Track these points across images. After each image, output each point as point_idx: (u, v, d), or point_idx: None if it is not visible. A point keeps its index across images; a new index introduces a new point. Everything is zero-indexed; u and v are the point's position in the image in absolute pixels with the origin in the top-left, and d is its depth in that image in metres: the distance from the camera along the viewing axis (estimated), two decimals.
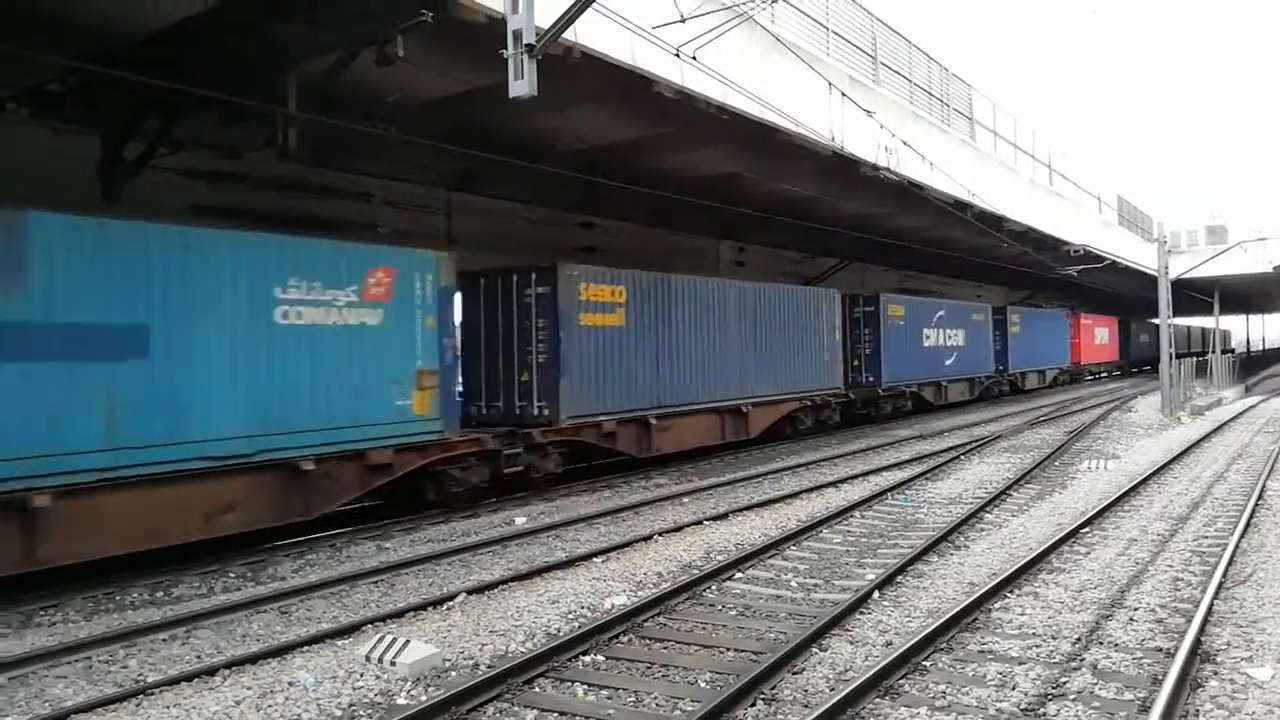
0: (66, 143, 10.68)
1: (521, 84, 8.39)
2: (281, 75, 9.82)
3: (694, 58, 9.85)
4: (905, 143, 16.24)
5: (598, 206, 17.73)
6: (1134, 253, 32.74)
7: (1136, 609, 7.24)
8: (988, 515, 11.39)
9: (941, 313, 27.07)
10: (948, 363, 27.28)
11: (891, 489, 13.16)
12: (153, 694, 6.02)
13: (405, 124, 11.83)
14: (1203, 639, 6.39)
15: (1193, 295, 39.08)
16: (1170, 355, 25.82)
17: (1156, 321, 53.74)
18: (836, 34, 15.56)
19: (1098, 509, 11.04)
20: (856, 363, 22.94)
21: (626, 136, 13.60)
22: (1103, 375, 47.70)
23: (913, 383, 25.16)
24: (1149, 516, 10.98)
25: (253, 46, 9.39)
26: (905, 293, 29.83)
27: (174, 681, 6.21)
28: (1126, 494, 12.21)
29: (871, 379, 23.13)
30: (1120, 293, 44.25)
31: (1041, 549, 8.95)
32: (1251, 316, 73.93)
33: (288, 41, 9.40)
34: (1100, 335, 46.57)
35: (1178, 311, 31.61)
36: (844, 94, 14.28)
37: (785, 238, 22.94)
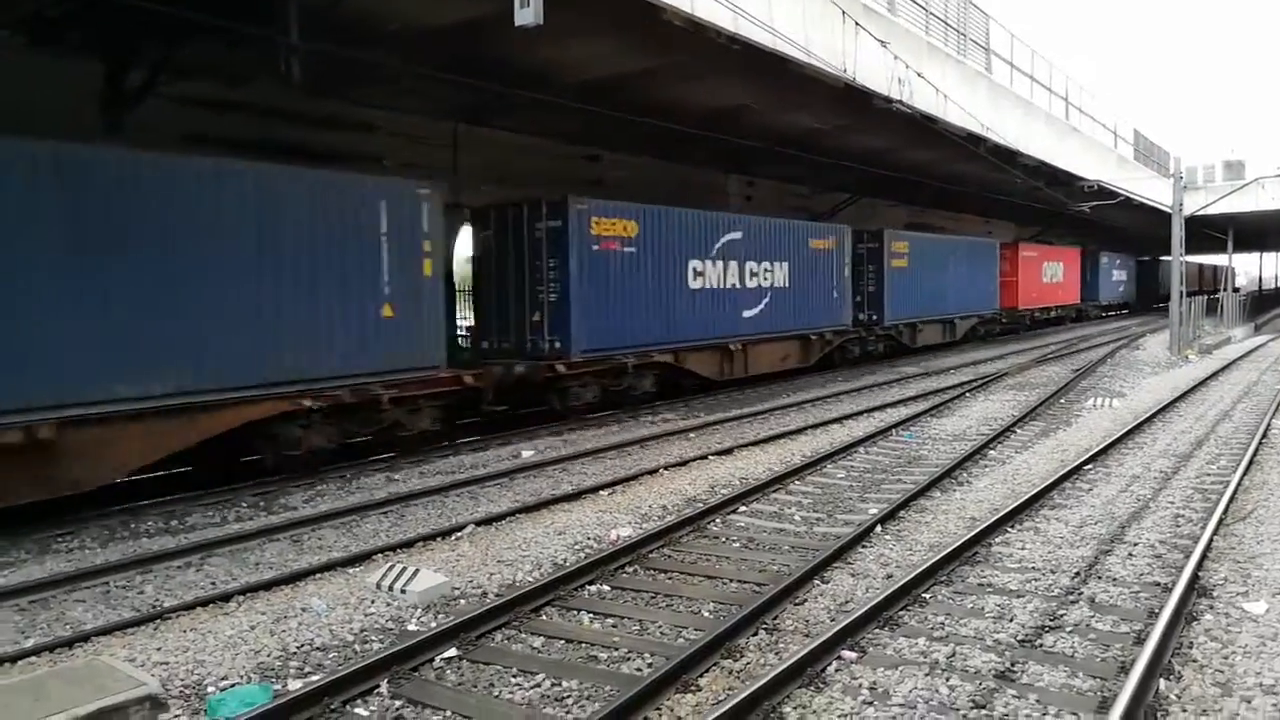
0: (68, 71, 10.51)
1: (527, 12, 8.21)
2: (283, 1, 9.59)
3: None
4: (919, 74, 15.88)
5: (606, 139, 17.45)
6: (1149, 189, 32.15)
7: (1136, 544, 7.32)
8: (991, 452, 11.46)
9: (733, 236, 17.25)
10: (749, 313, 17.74)
11: (896, 425, 13.23)
12: (169, 618, 6.18)
13: (410, 54, 11.59)
14: (1200, 574, 6.48)
15: (1207, 232, 38.59)
16: (1181, 293, 25.61)
17: (1146, 258, 52.67)
18: None
19: (1101, 446, 11.10)
20: (537, 317, 14.00)
21: (634, 67, 13.30)
22: (1054, 322, 38.43)
23: (658, 347, 15.58)
24: (1152, 454, 11.04)
25: None
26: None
27: (189, 607, 6.38)
28: (1131, 431, 12.25)
29: (557, 345, 13.92)
30: (1134, 229, 43.76)
31: (1044, 485, 9.03)
32: (1266, 255, 73.07)
33: None
34: (1051, 272, 36.56)
35: (1190, 249, 31.13)
36: (858, 23, 13.90)
37: (794, 171, 22.58)
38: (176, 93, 11.19)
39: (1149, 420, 13.30)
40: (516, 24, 8.29)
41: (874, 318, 23.03)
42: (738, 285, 17.47)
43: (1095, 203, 27.81)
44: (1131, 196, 29.80)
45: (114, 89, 10.73)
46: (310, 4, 9.61)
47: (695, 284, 16.35)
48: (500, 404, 13.77)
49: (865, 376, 20.27)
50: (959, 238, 29.74)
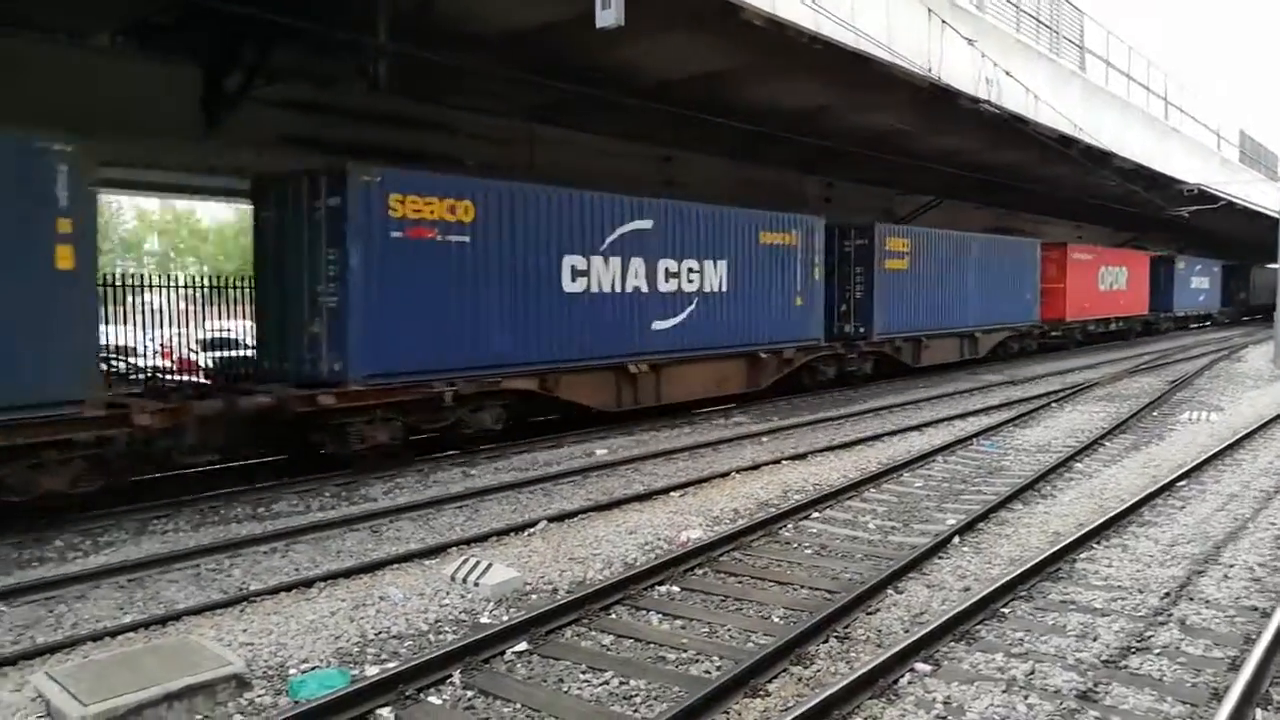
0: (172, 75, 11.06)
1: (609, 14, 8.28)
2: (372, 5, 9.90)
3: None
4: (1008, 73, 15.44)
5: (681, 140, 17.47)
6: (1255, 192, 30.51)
7: (1232, 566, 6.97)
8: (1077, 464, 11.05)
9: (638, 226, 13.42)
10: (663, 325, 14.01)
11: (977, 434, 12.88)
12: (255, 601, 6.43)
13: (492, 55, 11.82)
14: None
15: None
16: None
17: (1234, 263, 47.23)
18: None
19: (1196, 462, 10.59)
20: (316, 329, 10.42)
21: (712, 68, 13.30)
22: (1115, 336, 33.15)
23: (511, 370, 11.86)
24: (1253, 471, 10.48)
25: None
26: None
27: (274, 591, 6.61)
28: (1229, 447, 11.65)
29: (337, 366, 10.28)
30: (1236, 235, 41.67)
31: (1133, 501, 8.66)
32: None
33: None
34: (1110, 278, 31.41)
35: None
36: (944, 21, 13.61)
37: (875, 173, 22.21)
38: (270, 95, 11.65)
39: (1249, 436, 12.62)
40: (598, 25, 8.37)
41: (861, 330, 18.87)
42: (644, 289, 13.62)
43: (1195, 207, 26.60)
44: (1235, 200, 28.41)
45: (213, 92, 11.25)
46: (399, 8, 9.90)
47: (574, 286, 12.55)
48: (212, 452, 10.31)
49: (944, 385, 19.78)
50: (983, 235, 24.50)
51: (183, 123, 10.70)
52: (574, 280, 12.58)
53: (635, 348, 13.61)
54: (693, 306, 14.52)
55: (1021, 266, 25.34)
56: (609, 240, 13.06)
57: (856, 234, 18.99)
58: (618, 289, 13.23)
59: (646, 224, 13.63)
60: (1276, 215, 25.18)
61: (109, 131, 8.56)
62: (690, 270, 14.47)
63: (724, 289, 15.10)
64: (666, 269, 14.04)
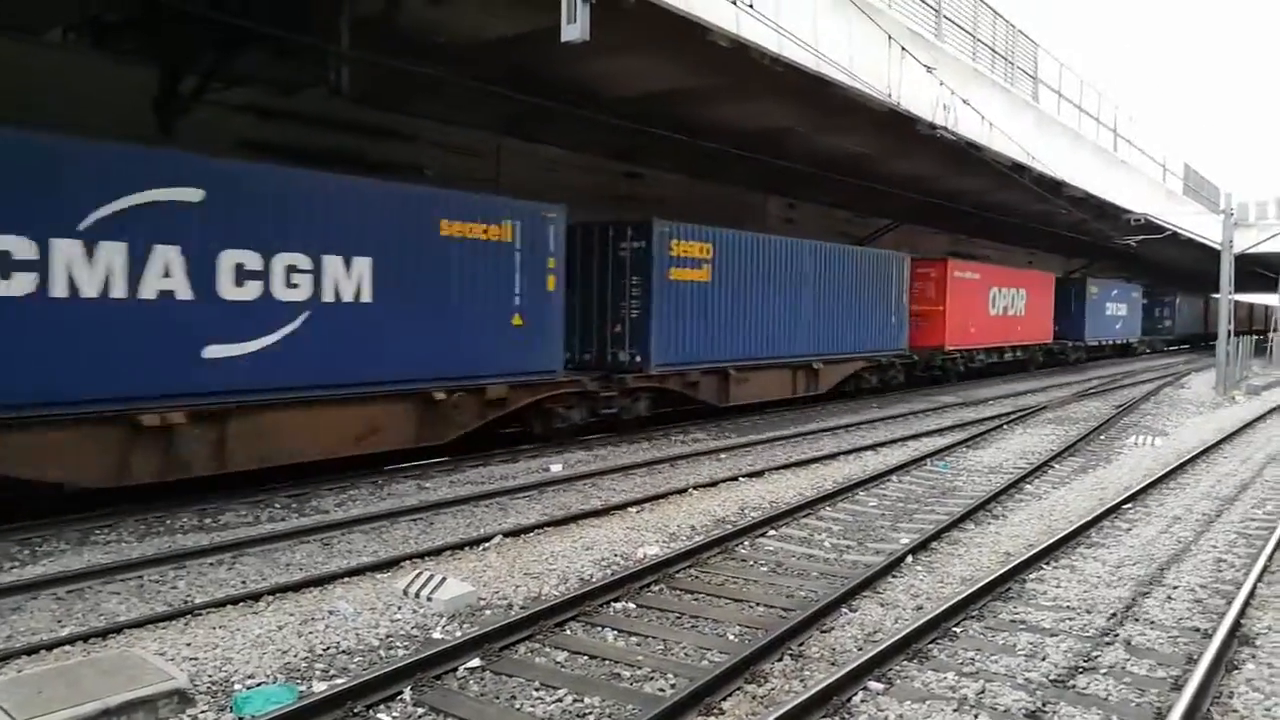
0: (125, 75, 10.82)
1: (574, 28, 8.29)
2: (335, 12, 9.81)
3: (750, 5, 9.63)
4: (965, 101, 15.79)
5: (646, 157, 17.56)
6: (1197, 224, 31.52)
7: (1176, 588, 7.14)
8: (1028, 486, 11.26)
9: (170, 196, 8.83)
10: (225, 352, 9.31)
11: (931, 455, 13.06)
12: (200, 614, 6.26)
13: (457, 66, 11.77)
14: (1242, 621, 6.29)
15: (1258, 271, 37.73)
16: (1229, 332, 25.03)
17: (1156, 289, 45.62)
18: None
19: (1142, 485, 10.85)
20: None
21: (677, 86, 13.39)
22: (1013, 367, 29.03)
23: None
24: (1195, 495, 10.77)
25: None
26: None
27: (220, 604, 6.45)
28: (1173, 471, 11.97)
29: None
30: (1182, 265, 42.97)
31: (1081, 522, 8.84)
32: None
33: None
34: (1005, 301, 27.06)
35: (1238, 287, 30.29)
36: (904, 48, 13.87)
37: (836, 196, 22.53)
38: (228, 99, 11.46)
39: (1192, 460, 12.98)
40: (563, 39, 8.38)
41: (637, 359, 14.55)
42: (187, 295, 9.01)
43: (1141, 236, 27.38)
44: (1179, 231, 29.29)
45: (168, 94, 11.03)
46: (362, 15, 9.82)
47: (16, 287, 7.94)
48: None
49: (901, 404, 20.03)
50: (826, 243, 19.40)
51: (134, 124, 10.48)
52: (15, 278, 7.95)
53: (166, 386, 8.98)
54: (298, 324, 9.85)
55: (883, 284, 20.66)
56: (100, 215, 8.43)
57: (633, 235, 14.49)
58: (122, 294, 8.58)
59: (189, 194, 9.00)
60: (1217, 246, 26.00)
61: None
62: (293, 269, 9.81)
63: (366, 299, 10.43)
64: (239, 266, 9.37)
